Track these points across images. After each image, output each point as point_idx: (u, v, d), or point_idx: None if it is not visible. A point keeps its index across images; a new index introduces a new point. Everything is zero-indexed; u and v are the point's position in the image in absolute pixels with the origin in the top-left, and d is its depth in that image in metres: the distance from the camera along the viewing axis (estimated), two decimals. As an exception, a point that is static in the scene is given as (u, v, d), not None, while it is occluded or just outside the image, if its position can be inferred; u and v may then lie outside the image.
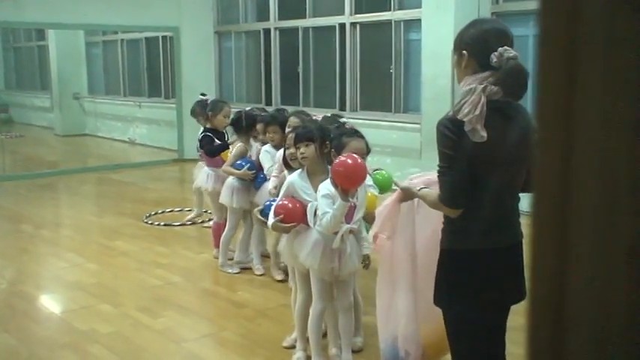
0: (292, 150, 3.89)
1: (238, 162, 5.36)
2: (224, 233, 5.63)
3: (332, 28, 9.94)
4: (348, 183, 3.37)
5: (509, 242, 2.61)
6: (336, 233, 3.55)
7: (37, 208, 8.35)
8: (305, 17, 10.44)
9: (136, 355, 4.14)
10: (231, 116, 5.77)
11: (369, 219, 3.65)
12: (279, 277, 5.34)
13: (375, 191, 3.97)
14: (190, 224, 7.22)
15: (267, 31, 11.19)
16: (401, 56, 9.11)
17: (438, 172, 2.53)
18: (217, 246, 5.84)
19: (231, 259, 5.76)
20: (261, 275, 5.49)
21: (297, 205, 3.67)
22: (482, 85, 2.42)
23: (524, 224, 2.73)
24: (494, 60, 2.42)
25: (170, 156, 11.71)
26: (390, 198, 2.95)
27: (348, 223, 3.56)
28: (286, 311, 4.63)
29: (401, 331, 3.13)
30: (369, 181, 3.79)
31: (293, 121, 4.70)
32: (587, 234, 0.63)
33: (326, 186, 3.53)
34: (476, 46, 2.49)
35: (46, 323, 4.76)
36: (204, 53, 11.88)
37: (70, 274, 5.74)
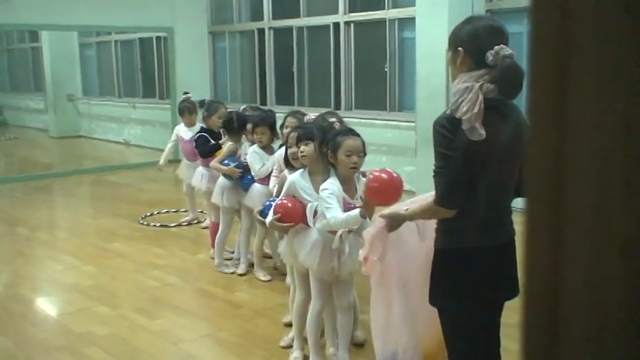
0: (294, 149, 3.90)
1: (225, 161, 5.38)
2: (218, 233, 5.65)
3: (326, 27, 9.95)
4: (382, 199, 3.21)
5: (503, 240, 2.62)
6: (334, 233, 3.55)
7: (32, 211, 8.34)
8: (299, 17, 10.44)
9: (133, 357, 4.14)
10: None
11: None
12: (264, 277, 5.34)
13: None
14: (186, 225, 7.21)
15: (261, 31, 11.19)
16: (395, 55, 9.12)
17: (434, 171, 2.53)
18: (214, 246, 5.86)
19: (229, 259, 5.77)
20: (242, 275, 5.51)
21: (297, 205, 3.67)
22: (480, 83, 2.42)
23: (517, 221, 2.75)
24: (490, 58, 2.42)
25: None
26: (379, 222, 2.93)
27: None
28: (283, 311, 4.64)
29: (401, 347, 3.11)
30: None
31: (290, 121, 4.70)
32: (581, 232, 0.64)
33: (330, 185, 3.50)
34: (471, 43, 2.49)
35: (42, 326, 4.75)
36: (198, 53, 11.87)
37: (67, 276, 5.73)
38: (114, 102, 14.67)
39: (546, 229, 0.66)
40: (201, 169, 6.07)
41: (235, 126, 5.42)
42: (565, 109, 0.63)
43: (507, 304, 2.74)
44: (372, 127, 8.54)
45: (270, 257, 5.65)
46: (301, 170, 3.78)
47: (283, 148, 4.80)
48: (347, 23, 9.66)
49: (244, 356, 4.12)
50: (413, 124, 8.06)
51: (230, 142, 5.49)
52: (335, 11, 9.77)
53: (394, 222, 2.82)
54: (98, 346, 4.27)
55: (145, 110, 13.50)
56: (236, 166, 5.31)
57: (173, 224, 7.20)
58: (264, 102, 11.04)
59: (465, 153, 2.43)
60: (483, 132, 2.39)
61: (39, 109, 16.62)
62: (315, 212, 3.62)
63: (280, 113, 5.73)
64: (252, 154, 5.10)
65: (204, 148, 5.90)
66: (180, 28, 11.55)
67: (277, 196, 3.99)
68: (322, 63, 10.15)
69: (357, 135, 3.56)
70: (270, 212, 3.75)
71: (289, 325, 4.25)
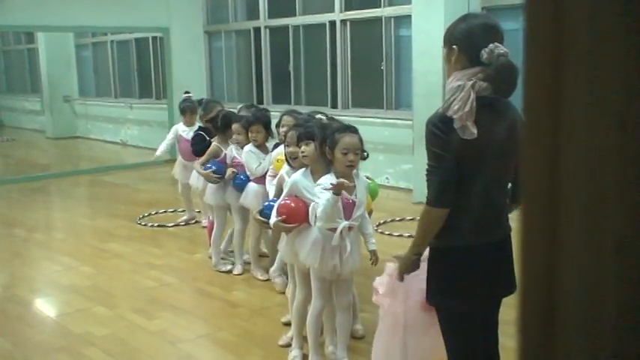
0: (292, 149, 3.89)
1: (208, 165, 5.41)
2: (213, 232, 5.67)
3: (322, 25, 9.94)
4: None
5: (498, 237, 2.62)
6: (334, 230, 3.54)
7: (29, 212, 8.33)
8: (295, 15, 10.43)
9: (131, 357, 4.14)
10: None
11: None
12: (262, 276, 5.34)
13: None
14: (184, 225, 7.21)
15: (257, 30, 11.18)
16: (392, 53, 9.12)
17: (427, 170, 2.53)
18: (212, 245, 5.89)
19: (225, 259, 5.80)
20: (239, 274, 5.51)
21: (300, 205, 3.66)
22: (472, 82, 2.42)
23: (513, 218, 2.75)
24: (485, 56, 2.42)
25: (162, 157, 11.67)
26: (390, 268, 2.90)
27: (348, 220, 3.56)
28: (281, 310, 4.64)
29: None
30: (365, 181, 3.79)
31: (286, 119, 4.69)
32: (576, 231, 0.64)
33: (325, 180, 3.54)
34: (466, 41, 2.49)
35: (40, 327, 4.75)
36: (194, 53, 11.86)
37: (64, 277, 5.73)
38: (110, 102, 14.65)
39: (541, 228, 0.66)
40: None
41: (219, 125, 5.44)
42: (560, 108, 0.63)
43: (505, 301, 2.74)
44: (369, 126, 8.54)
45: (267, 256, 5.65)
46: (303, 170, 3.77)
47: (280, 147, 4.81)
48: (343, 21, 9.66)
49: (243, 355, 4.12)
50: (410, 122, 8.06)
51: (215, 143, 5.51)
52: (331, 9, 9.77)
53: (404, 266, 2.76)
54: (97, 346, 4.26)
55: (142, 110, 13.49)
56: (214, 171, 5.34)
57: (171, 224, 7.20)
58: (260, 101, 11.04)
59: (458, 152, 2.43)
60: (475, 130, 2.39)
61: (35, 110, 16.60)
62: None
63: (277, 112, 5.74)
64: (247, 153, 5.09)
65: (199, 146, 5.91)
66: (176, 28, 11.53)
67: (277, 197, 3.98)
68: (319, 61, 10.14)
69: (355, 132, 3.54)
70: (274, 213, 3.74)
71: (288, 324, 4.25)
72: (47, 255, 6.45)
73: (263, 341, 4.28)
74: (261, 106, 6.11)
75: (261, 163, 5.01)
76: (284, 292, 4.89)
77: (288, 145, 3.96)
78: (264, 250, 5.69)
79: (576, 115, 0.62)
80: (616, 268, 0.63)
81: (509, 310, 2.64)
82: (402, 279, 2.82)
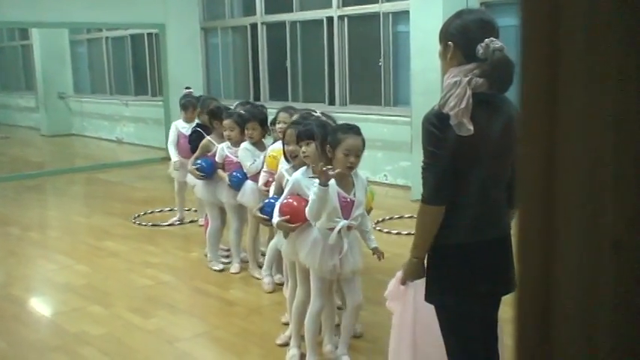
0: (292, 147, 3.88)
1: (198, 161, 5.46)
2: (208, 229, 5.68)
3: (319, 21, 9.94)
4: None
5: (497, 235, 2.61)
6: (332, 229, 3.55)
7: (24, 210, 8.32)
8: (292, 11, 10.43)
9: (128, 357, 4.15)
10: None
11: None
12: (259, 275, 5.34)
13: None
14: (179, 224, 7.18)
15: (254, 26, 11.18)
16: (390, 49, 9.12)
17: (422, 168, 2.54)
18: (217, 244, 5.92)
19: (225, 257, 5.81)
20: (236, 273, 5.52)
21: (303, 204, 3.65)
22: (468, 78, 2.42)
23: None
24: (480, 51, 2.43)
25: (158, 154, 11.67)
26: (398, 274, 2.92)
27: (346, 219, 3.56)
28: (279, 309, 4.65)
29: None
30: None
31: (282, 116, 4.69)
32: (573, 230, 0.64)
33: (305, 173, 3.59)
34: (461, 37, 2.50)
35: (36, 326, 4.75)
36: (190, 50, 11.85)
37: (60, 275, 5.73)
38: (106, 99, 14.64)
39: (538, 227, 0.66)
40: None
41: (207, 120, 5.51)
42: (556, 107, 0.64)
43: (504, 299, 2.75)
44: (366, 123, 8.53)
45: (264, 254, 5.65)
46: (304, 168, 3.76)
47: (274, 144, 4.81)
48: (341, 17, 9.66)
49: (240, 354, 4.13)
50: (408, 119, 8.07)
51: (207, 138, 5.59)
52: (328, 5, 9.77)
53: (407, 271, 2.77)
54: (93, 345, 4.27)
55: (137, 107, 13.48)
56: (198, 168, 5.40)
57: (165, 223, 7.17)
58: (257, 98, 11.04)
59: (454, 148, 2.44)
60: (471, 127, 2.39)
61: (30, 107, 16.57)
62: None
63: (273, 109, 5.74)
64: (243, 150, 5.09)
65: (196, 143, 5.92)
66: (172, 24, 11.52)
67: (277, 194, 3.98)
68: (316, 58, 10.14)
69: (359, 133, 3.54)
70: (276, 212, 3.73)
71: (287, 324, 4.26)
72: (42, 253, 6.45)
73: (261, 340, 4.29)
74: (258, 103, 6.12)
75: (255, 161, 5.01)
76: (272, 292, 4.92)
77: (287, 144, 3.94)
78: (262, 248, 5.69)
79: (572, 115, 0.63)
80: (613, 267, 0.63)
81: (508, 309, 2.66)
82: (404, 283, 2.83)
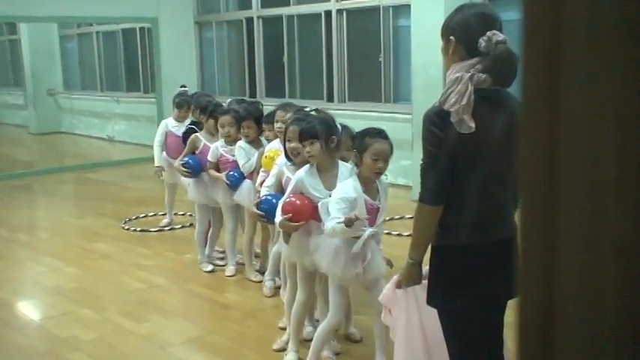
0: (294, 144, 3.87)
1: (185, 158, 5.50)
2: (195, 230, 5.73)
3: (317, 15, 9.94)
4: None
5: (501, 236, 2.59)
6: (357, 238, 3.50)
7: (12, 211, 8.32)
8: (289, 5, 10.43)
9: (119, 362, 4.15)
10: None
11: None
12: (255, 278, 5.34)
13: None
14: (169, 229, 7.11)
15: (249, 20, 11.18)
16: (390, 44, 9.12)
17: (422, 166, 2.54)
18: (205, 244, 5.92)
19: (220, 259, 5.84)
20: (231, 276, 5.52)
21: (306, 202, 3.65)
22: (469, 74, 2.43)
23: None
24: (483, 45, 2.43)
25: (151, 153, 11.55)
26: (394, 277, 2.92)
27: (371, 226, 3.53)
28: (276, 312, 4.65)
29: None
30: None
31: (280, 114, 4.68)
32: (575, 232, 0.64)
33: (347, 187, 3.50)
34: (463, 32, 2.51)
35: (24, 331, 4.75)
36: (184, 45, 11.85)
37: (49, 278, 5.72)
38: (96, 96, 14.64)
39: (539, 229, 0.67)
40: None
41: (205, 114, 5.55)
42: (557, 106, 0.64)
43: (509, 303, 2.74)
44: (366, 120, 8.53)
45: (258, 256, 5.65)
46: (308, 166, 3.75)
47: (270, 143, 4.80)
48: (339, 11, 9.66)
49: (235, 360, 4.13)
50: (409, 116, 8.07)
51: (195, 134, 5.62)
52: (326, -1, 9.78)
53: (403, 275, 2.78)
54: (83, 351, 4.27)
55: (129, 105, 13.48)
56: (183, 164, 5.45)
57: (154, 229, 7.10)
58: (253, 94, 11.04)
59: (455, 146, 2.44)
60: (472, 124, 2.39)
61: (18, 104, 16.55)
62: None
63: (270, 106, 5.74)
64: (238, 149, 5.09)
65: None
66: (165, 18, 11.52)
67: (276, 191, 3.98)
68: (314, 53, 10.14)
69: (387, 138, 3.53)
70: (278, 211, 3.73)
71: (284, 328, 4.26)
72: (31, 256, 6.45)
73: (257, 345, 4.29)
74: (252, 100, 6.11)
75: (249, 160, 5.01)
76: (272, 297, 4.91)
77: (289, 141, 3.93)
78: (257, 250, 5.69)
79: (574, 114, 0.63)
80: (616, 271, 0.63)
81: (510, 312, 2.66)
82: (399, 287, 2.83)
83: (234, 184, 5.15)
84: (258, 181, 4.73)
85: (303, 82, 10.53)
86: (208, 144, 5.44)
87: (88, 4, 10.67)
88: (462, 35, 2.51)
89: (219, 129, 5.22)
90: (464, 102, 2.38)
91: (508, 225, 2.62)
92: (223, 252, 5.83)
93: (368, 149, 3.42)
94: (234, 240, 5.55)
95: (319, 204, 3.62)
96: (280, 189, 3.99)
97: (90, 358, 4.18)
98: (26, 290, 5.67)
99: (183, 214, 7.35)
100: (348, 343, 4.16)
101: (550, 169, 0.64)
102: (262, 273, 5.29)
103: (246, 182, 5.09)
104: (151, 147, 7.07)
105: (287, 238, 3.87)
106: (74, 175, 10.68)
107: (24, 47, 15.28)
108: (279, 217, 3.70)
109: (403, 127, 8.42)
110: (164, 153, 6.73)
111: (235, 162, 5.15)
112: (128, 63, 13.74)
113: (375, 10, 9.17)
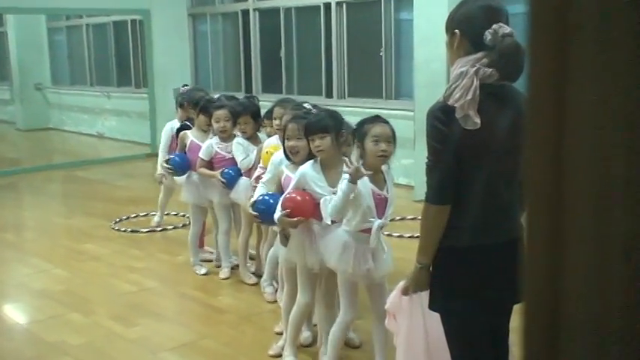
0: (293, 142, 3.86)
1: (171, 155, 5.58)
2: (189, 231, 5.76)
3: (316, 7, 9.94)
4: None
5: (507, 237, 2.57)
6: (365, 231, 3.50)
7: (-2, 210, 8.32)
8: (287, -3, 10.43)
9: (109, 368, 4.15)
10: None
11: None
12: (250, 280, 5.34)
13: None
14: (160, 230, 7.10)
15: (245, 13, 11.17)
16: (391, 38, 9.12)
17: (427, 165, 2.54)
18: (200, 246, 5.94)
19: (209, 260, 5.87)
20: (225, 279, 5.52)
21: (307, 198, 3.64)
22: (475, 68, 2.43)
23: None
24: (489, 38, 2.44)
25: (142, 150, 11.67)
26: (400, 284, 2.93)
27: (380, 217, 3.51)
28: (271, 316, 4.65)
29: None
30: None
31: (278, 111, 4.67)
32: (582, 233, 0.64)
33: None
34: (468, 25, 2.51)
35: (10, 335, 4.75)
36: (177, 38, 11.84)
37: (36, 281, 5.72)
38: (86, 91, 14.63)
39: (545, 230, 0.67)
40: None
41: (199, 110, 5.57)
42: (564, 105, 0.64)
43: (515, 308, 2.74)
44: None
45: (252, 258, 5.65)
46: (312, 161, 3.75)
47: (270, 139, 4.80)
48: (339, 4, 9.65)
49: (230, 366, 4.13)
50: (411, 113, 8.07)
51: (184, 131, 5.64)
52: (326, -9, 9.77)
53: (410, 280, 2.78)
54: (71, 356, 4.27)
55: (120, 100, 13.47)
56: (167, 160, 5.51)
57: (145, 230, 7.09)
58: (249, 90, 11.04)
59: (461, 143, 2.45)
60: (478, 120, 2.39)
61: (4, 99, 16.55)
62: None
63: (266, 102, 5.73)
64: (236, 145, 5.08)
65: None
66: (158, 10, 11.51)
67: (275, 192, 3.98)
68: (312, 47, 10.14)
69: (386, 122, 3.54)
70: (278, 207, 3.72)
71: (280, 333, 4.26)
72: (17, 257, 6.45)
73: (252, 350, 4.29)
74: (248, 95, 6.10)
75: (248, 156, 4.99)
76: (275, 302, 4.88)
77: (288, 139, 3.92)
78: (252, 251, 5.68)
79: (581, 113, 0.63)
80: (624, 274, 0.63)
81: (515, 317, 2.66)
82: (405, 293, 2.83)
83: (229, 182, 5.12)
84: (255, 175, 4.71)
85: (301, 78, 10.52)
86: (196, 141, 5.43)
87: (77, -4, 10.66)
88: (467, 29, 2.51)
89: (214, 124, 5.19)
90: (469, 97, 2.38)
91: (514, 226, 2.59)
92: (212, 253, 5.85)
93: (368, 134, 3.43)
94: (229, 241, 5.55)
95: (321, 201, 3.62)
96: (279, 189, 3.98)
97: (78, 363, 4.18)
98: (12, 293, 5.66)
99: (176, 215, 7.35)
100: (347, 349, 4.15)
101: (556, 167, 0.64)
102: (258, 276, 5.29)
103: (243, 180, 5.07)
104: (143, 144, 7.09)
105: (284, 240, 3.86)
106: (63, 173, 10.68)
107: (10, 40, 15.27)
108: (278, 213, 3.69)
109: (405, 125, 8.40)
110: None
111: (231, 160, 5.14)
112: (119, 57, 13.73)
113: (376, 2, 9.17)
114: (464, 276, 2.60)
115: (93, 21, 14.18)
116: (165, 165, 5.48)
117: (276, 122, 4.59)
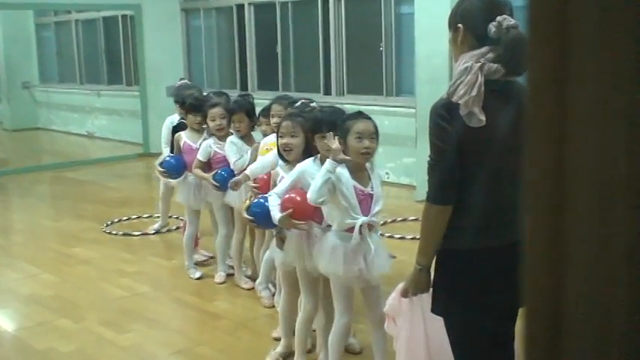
0: (286, 140, 3.86)
1: (166, 157, 5.58)
2: (184, 234, 5.76)
3: (314, 1, 9.93)
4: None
5: (511, 240, 2.53)
6: (352, 230, 3.49)
7: (-16, 213, 8.31)
8: (283, -10, 10.43)
9: (100, 376, 4.15)
10: None
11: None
12: (246, 285, 5.32)
13: None
14: (153, 234, 7.08)
15: (240, 7, 11.17)
16: (392, 33, 9.12)
17: (429, 164, 2.54)
18: (194, 246, 5.92)
19: (204, 261, 5.89)
20: (221, 283, 5.52)
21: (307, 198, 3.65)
22: (480, 63, 2.43)
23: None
24: (493, 30, 2.44)
25: (134, 150, 11.67)
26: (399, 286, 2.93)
27: (365, 215, 3.52)
28: (269, 322, 4.65)
29: None
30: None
31: (276, 108, 4.66)
32: (583, 235, 0.64)
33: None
34: (472, 19, 2.52)
35: (-2, 342, 4.75)
36: (169, 33, 11.83)
37: (24, 286, 5.72)
38: (75, 89, 14.62)
39: (546, 232, 0.66)
40: None
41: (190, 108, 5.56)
42: (565, 104, 0.64)
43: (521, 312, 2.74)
44: (366, 115, 8.54)
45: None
46: (312, 159, 3.75)
47: (268, 137, 4.79)
48: (337, -3, 9.66)
49: (225, 373, 4.13)
50: (412, 110, 8.08)
51: (177, 134, 5.63)
52: (323, -16, 9.78)
53: (410, 281, 2.78)
54: (61, 364, 4.26)
55: (111, 98, 13.47)
56: (162, 163, 5.50)
57: (138, 233, 7.06)
58: (244, 87, 11.04)
59: (464, 141, 2.45)
60: (483, 117, 2.40)
61: (-10, 98, 16.55)
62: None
63: (262, 100, 5.73)
64: (229, 144, 5.05)
65: None
66: (149, 5, 11.51)
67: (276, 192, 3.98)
68: (310, 42, 10.14)
69: (368, 118, 3.55)
70: (276, 209, 3.71)
71: (278, 339, 4.25)
72: (5, 261, 6.44)
73: (248, 357, 4.29)
74: (241, 94, 6.08)
75: (242, 156, 4.96)
76: (273, 307, 4.86)
77: (282, 136, 3.92)
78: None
79: (582, 113, 0.63)
80: (626, 273, 0.63)
81: (518, 321, 2.66)
82: (405, 295, 2.82)
83: (222, 185, 5.07)
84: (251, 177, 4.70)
85: (298, 74, 10.52)
86: (189, 142, 5.43)
87: (65, -10, 10.66)
88: (471, 23, 2.52)
89: (210, 123, 5.16)
90: (474, 93, 2.39)
91: (519, 227, 2.59)
92: (212, 257, 5.84)
93: (350, 131, 3.44)
94: (227, 245, 5.52)
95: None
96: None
97: (68, 371, 4.18)
98: (-1, 298, 5.66)
99: (170, 217, 7.34)
100: (347, 355, 4.15)
101: (557, 166, 0.64)
102: (254, 280, 5.28)
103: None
104: (135, 144, 7.09)
105: (280, 243, 3.85)
106: (51, 174, 10.67)
107: (-4, 36, 15.27)
108: (278, 214, 3.67)
109: (406, 122, 8.42)
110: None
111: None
112: (109, 53, 13.73)
113: (375, -4, 9.17)
114: (467, 279, 2.60)
115: (82, 17, 14.17)
116: (159, 168, 5.46)
117: (274, 120, 4.58)
